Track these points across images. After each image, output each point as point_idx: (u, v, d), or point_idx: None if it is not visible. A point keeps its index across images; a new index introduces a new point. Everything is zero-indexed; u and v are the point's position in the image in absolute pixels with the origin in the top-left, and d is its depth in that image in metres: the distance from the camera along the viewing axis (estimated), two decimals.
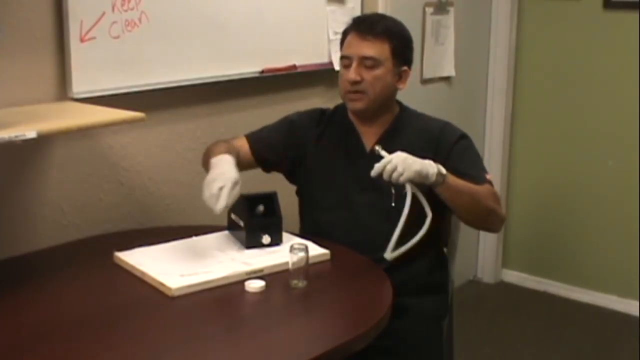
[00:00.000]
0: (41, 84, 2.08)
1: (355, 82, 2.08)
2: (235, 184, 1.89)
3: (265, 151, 2.24)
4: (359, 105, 2.11)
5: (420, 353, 2.12)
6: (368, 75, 2.09)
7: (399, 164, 1.88)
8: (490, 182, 2.11)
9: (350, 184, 2.15)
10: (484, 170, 2.15)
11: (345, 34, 2.17)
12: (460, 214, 2.07)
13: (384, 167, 1.88)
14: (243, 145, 2.21)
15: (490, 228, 2.18)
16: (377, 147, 1.97)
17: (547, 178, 3.98)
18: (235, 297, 1.80)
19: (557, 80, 3.86)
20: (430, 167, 1.91)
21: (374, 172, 1.90)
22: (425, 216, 1.96)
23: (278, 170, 2.29)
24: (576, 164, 3.86)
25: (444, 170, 1.94)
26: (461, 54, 3.70)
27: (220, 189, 1.86)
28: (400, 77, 2.15)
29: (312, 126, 2.24)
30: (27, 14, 2.02)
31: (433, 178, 1.92)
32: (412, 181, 1.90)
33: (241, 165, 2.18)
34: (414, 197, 1.94)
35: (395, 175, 1.88)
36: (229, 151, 2.05)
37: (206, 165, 2.04)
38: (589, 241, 3.87)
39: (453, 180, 1.97)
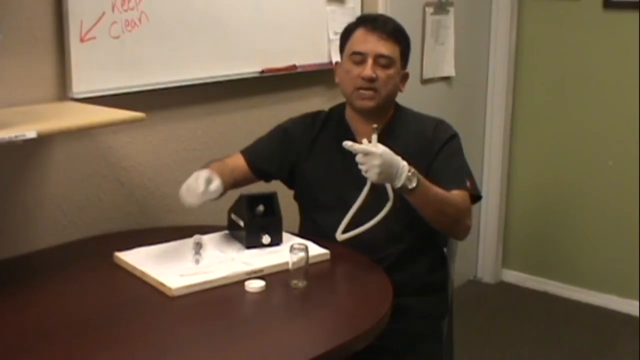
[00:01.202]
0: (41, 84, 2.08)
1: (371, 79, 2.08)
2: (208, 178, 1.93)
3: (263, 164, 2.24)
4: (370, 103, 2.10)
5: (420, 353, 2.12)
6: (382, 74, 2.08)
7: (375, 161, 1.85)
8: (468, 188, 2.10)
9: (347, 185, 2.15)
10: (467, 175, 2.14)
11: (350, 30, 2.16)
12: (425, 218, 2.04)
13: (362, 151, 1.86)
14: (239, 162, 2.21)
15: (455, 236, 2.17)
16: (375, 126, 1.93)
17: (547, 178, 3.98)
18: (235, 297, 1.80)
19: (557, 80, 3.86)
20: (399, 180, 1.89)
21: (347, 144, 1.87)
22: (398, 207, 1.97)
23: (277, 179, 2.29)
24: (576, 163, 3.86)
25: (411, 185, 1.90)
26: (461, 54, 3.70)
27: (196, 179, 1.91)
28: (402, 79, 2.16)
29: (306, 131, 2.24)
30: (27, 14, 2.02)
31: (398, 187, 1.90)
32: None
33: (239, 183, 2.19)
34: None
35: (362, 167, 1.87)
36: (218, 171, 2.05)
37: None
38: (589, 241, 3.87)
39: (422, 191, 1.93)
